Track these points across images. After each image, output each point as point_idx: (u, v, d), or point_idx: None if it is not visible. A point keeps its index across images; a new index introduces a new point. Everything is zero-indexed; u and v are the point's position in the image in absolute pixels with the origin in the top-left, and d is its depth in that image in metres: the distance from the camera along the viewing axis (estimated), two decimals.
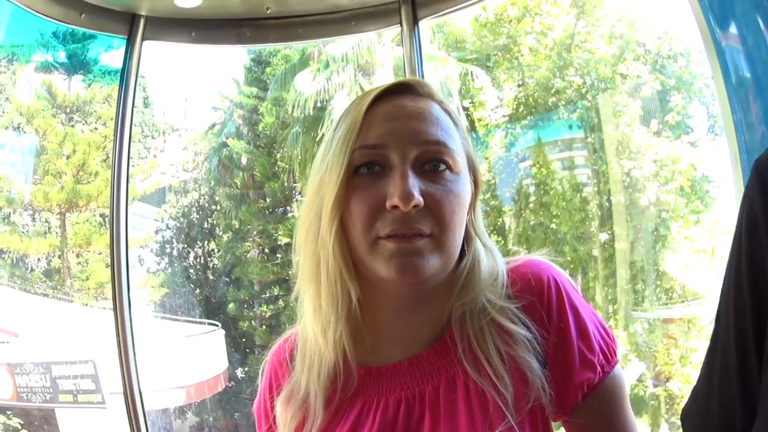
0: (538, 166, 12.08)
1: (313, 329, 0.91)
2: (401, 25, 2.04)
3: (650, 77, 11.70)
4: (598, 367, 0.88)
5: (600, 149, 11.68)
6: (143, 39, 2.08)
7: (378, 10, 2.07)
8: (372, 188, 0.84)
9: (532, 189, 12.27)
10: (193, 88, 14.78)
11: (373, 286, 0.88)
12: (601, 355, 0.89)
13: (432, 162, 0.86)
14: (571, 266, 11.46)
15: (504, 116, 12.33)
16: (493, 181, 12.28)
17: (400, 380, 0.91)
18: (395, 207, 0.81)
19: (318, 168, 0.90)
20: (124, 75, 2.11)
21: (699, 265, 11.10)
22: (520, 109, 12.24)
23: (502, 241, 11.80)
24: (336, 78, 12.28)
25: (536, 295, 0.89)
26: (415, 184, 0.82)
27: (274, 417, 0.97)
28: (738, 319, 0.68)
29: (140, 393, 2.13)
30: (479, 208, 0.95)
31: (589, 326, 0.90)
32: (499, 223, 12.34)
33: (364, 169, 0.86)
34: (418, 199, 0.81)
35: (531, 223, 11.90)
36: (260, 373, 1.03)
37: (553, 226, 11.82)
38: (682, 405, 0.77)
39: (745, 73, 1.30)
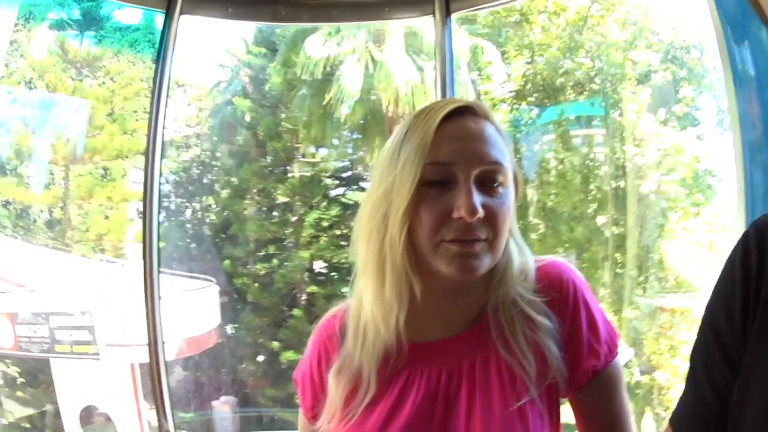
0: (558, 142, 12.13)
1: (373, 314, 1.08)
2: (434, 16, 2.16)
3: (661, 66, 11.72)
4: (602, 356, 1.09)
5: (607, 133, 11.75)
6: (181, 13, 2.18)
7: None
8: (440, 200, 1.00)
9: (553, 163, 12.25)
10: (201, 45, 14.74)
11: (429, 277, 1.04)
12: (605, 347, 1.10)
13: (490, 179, 1.02)
14: (566, 245, 11.64)
15: (510, 92, 12.35)
16: None
17: (442, 356, 1.09)
18: (461, 218, 0.97)
19: (386, 174, 1.05)
20: (161, 49, 2.20)
21: (695, 257, 11.24)
22: (528, 86, 12.26)
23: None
24: (347, 43, 12.28)
25: (557, 292, 1.09)
26: (477, 200, 0.98)
27: (322, 387, 1.14)
28: (717, 313, 0.86)
29: (163, 344, 2.30)
30: (514, 213, 1.10)
31: (598, 321, 1.10)
32: None
33: (435, 179, 1.01)
34: (482, 212, 0.97)
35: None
36: (309, 344, 1.20)
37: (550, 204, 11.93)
38: (667, 396, 0.98)
39: (751, 71, 1.41)
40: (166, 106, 2.24)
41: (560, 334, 1.08)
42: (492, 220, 1.00)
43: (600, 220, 11.75)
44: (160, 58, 2.20)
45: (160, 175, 2.28)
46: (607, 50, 11.63)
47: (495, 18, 12.52)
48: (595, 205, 11.94)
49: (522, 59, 12.37)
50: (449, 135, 1.03)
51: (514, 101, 12.29)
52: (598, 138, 12.21)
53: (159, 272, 2.27)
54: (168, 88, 2.23)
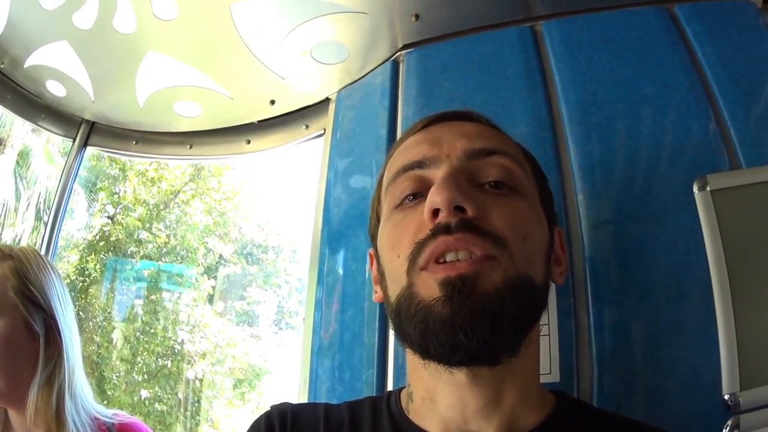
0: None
1: None
2: (73, 142, 2.23)
3: (232, 259, 12.52)
4: None
5: (161, 312, 12.09)
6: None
7: (63, 114, 2.24)
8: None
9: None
10: None
11: None
12: None
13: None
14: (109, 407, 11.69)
15: (84, 239, 12.51)
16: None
17: None
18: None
19: None
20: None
21: None
22: (101, 243, 12.53)
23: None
24: None
25: None
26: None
27: None
28: None
29: None
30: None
31: None
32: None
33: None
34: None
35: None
36: None
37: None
38: None
39: (340, 270, 1.46)
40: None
41: None
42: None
43: (144, 393, 11.95)
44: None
45: None
46: (185, 232, 12.24)
47: (96, 164, 12.86)
48: (140, 377, 12.11)
49: (105, 214, 12.71)
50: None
51: (85, 250, 12.41)
52: (151, 316, 12.45)
53: None
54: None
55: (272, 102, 1.81)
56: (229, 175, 12.86)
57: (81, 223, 12.58)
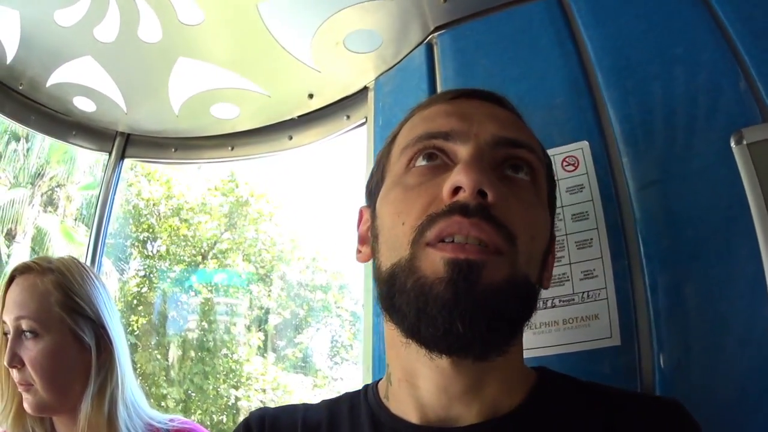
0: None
1: None
2: (110, 155, 2.27)
3: (282, 298, 13.07)
4: None
5: (211, 373, 12.36)
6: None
7: (95, 129, 2.27)
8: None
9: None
10: None
11: None
12: None
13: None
14: None
15: (122, 299, 12.84)
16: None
17: None
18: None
19: None
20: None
21: None
22: (139, 307, 12.84)
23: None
24: None
25: None
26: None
27: None
28: None
29: None
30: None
31: None
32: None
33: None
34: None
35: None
36: None
37: None
38: None
39: None
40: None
41: None
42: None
43: None
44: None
45: None
46: (228, 287, 12.72)
47: (123, 229, 13.13)
48: None
49: (140, 276, 12.94)
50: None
51: (127, 310, 12.67)
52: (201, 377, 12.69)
53: None
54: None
55: (311, 96, 1.86)
56: (266, 224, 13.10)
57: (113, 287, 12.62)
